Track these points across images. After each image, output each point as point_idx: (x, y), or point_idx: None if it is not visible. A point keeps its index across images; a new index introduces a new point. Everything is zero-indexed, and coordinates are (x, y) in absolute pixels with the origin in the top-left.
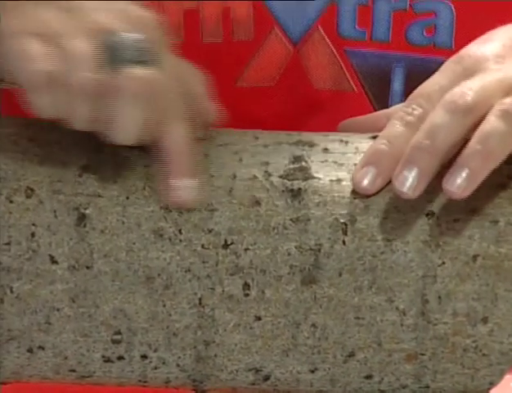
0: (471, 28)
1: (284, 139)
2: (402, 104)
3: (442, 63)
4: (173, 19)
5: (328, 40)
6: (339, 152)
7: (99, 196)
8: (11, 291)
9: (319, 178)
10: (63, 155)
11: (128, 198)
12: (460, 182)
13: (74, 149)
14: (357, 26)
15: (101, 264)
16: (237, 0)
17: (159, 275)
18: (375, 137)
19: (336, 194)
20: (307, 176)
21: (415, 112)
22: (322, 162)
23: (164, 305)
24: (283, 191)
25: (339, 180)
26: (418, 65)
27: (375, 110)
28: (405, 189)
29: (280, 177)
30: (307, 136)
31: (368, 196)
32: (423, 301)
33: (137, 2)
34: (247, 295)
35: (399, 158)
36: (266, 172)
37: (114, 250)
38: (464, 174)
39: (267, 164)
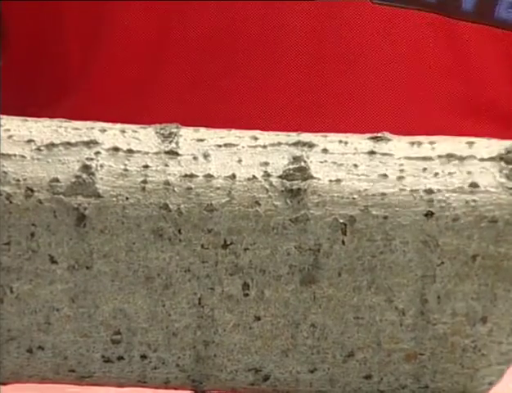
0: None
1: (283, 140)
2: None
3: None
4: None
5: None
6: (338, 153)
7: (98, 196)
8: (11, 291)
9: (318, 179)
10: (62, 155)
11: (127, 198)
12: None
13: (74, 150)
14: None
15: (101, 264)
16: None
17: (158, 275)
18: (374, 138)
19: (335, 194)
20: (307, 176)
21: None
22: (321, 162)
23: (164, 305)
24: (282, 191)
25: (338, 180)
26: None
27: None
28: None
29: (280, 177)
30: (306, 136)
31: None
32: (422, 301)
33: None
34: (246, 295)
35: None
36: (265, 172)
37: (113, 251)
38: None
39: (266, 164)
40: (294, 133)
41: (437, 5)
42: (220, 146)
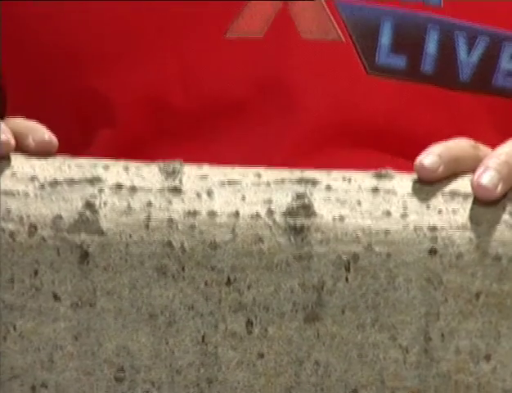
0: None
1: (286, 176)
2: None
3: (430, 19)
4: None
5: None
6: (341, 190)
7: (102, 233)
8: (14, 329)
9: (322, 216)
10: (66, 192)
11: (130, 236)
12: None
13: (77, 187)
14: None
15: (104, 301)
16: None
17: (162, 312)
18: (378, 175)
19: (339, 231)
20: (310, 213)
21: None
22: (325, 200)
23: (167, 343)
24: (286, 228)
25: (341, 218)
26: (407, 21)
27: (362, 63)
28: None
29: (283, 214)
30: (309, 173)
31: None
32: (426, 339)
33: None
34: (250, 332)
35: None
36: (269, 209)
37: (117, 288)
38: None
39: (269, 201)
40: (297, 170)
41: (433, 77)
42: (223, 183)
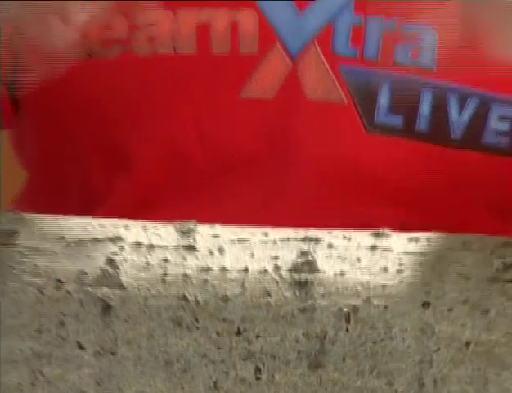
0: (451, 52)
1: (292, 235)
2: None
3: (424, 82)
4: (187, 31)
5: (323, 56)
6: (342, 247)
7: (122, 287)
8: (42, 375)
9: (324, 271)
10: (89, 250)
11: (149, 290)
12: None
13: (99, 245)
14: (350, 45)
15: (125, 350)
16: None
17: (177, 360)
18: (376, 234)
19: (340, 286)
20: (313, 269)
21: None
22: (327, 256)
23: (183, 388)
24: (291, 283)
25: (342, 273)
26: (403, 83)
27: (362, 122)
28: None
29: (289, 270)
30: (313, 232)
31: None
32: (420, 385)
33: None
34: (258, 378)
35: None
36: (275, 265)
37: (136, 337)
38: None
39: (276, 258)
40: (301, 230)
41: (427, 135)
42: (234, 241)
